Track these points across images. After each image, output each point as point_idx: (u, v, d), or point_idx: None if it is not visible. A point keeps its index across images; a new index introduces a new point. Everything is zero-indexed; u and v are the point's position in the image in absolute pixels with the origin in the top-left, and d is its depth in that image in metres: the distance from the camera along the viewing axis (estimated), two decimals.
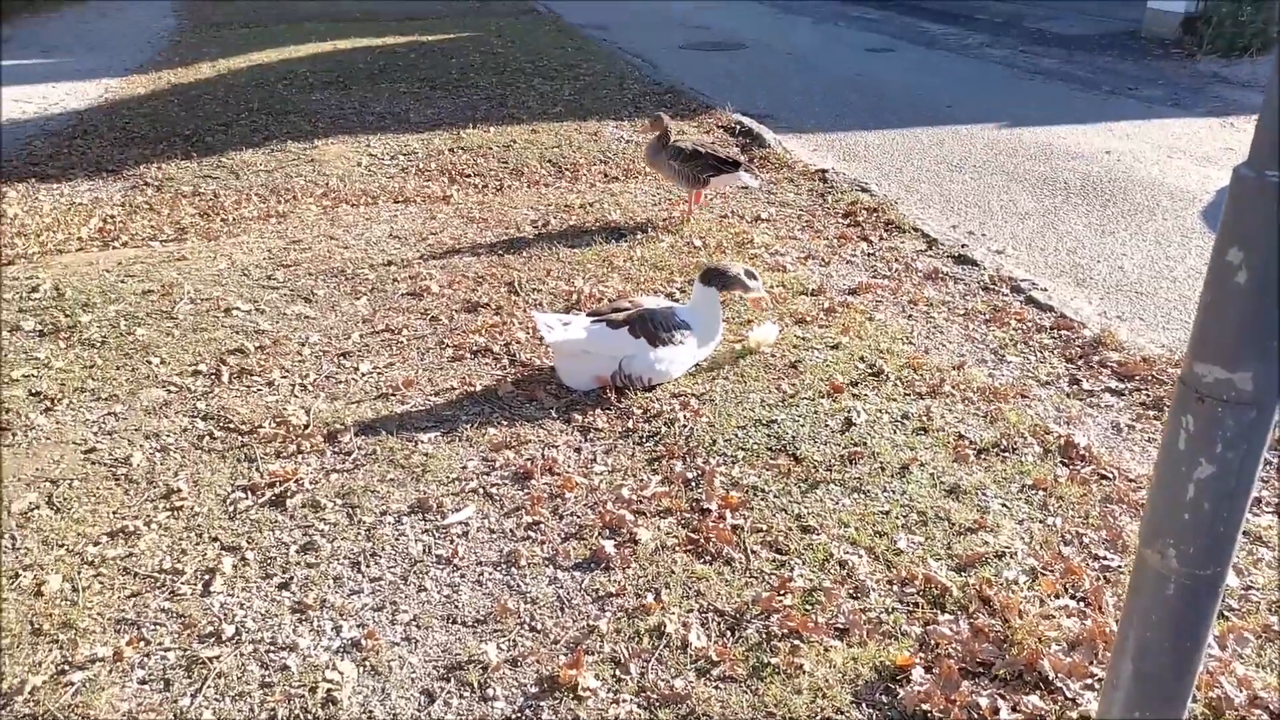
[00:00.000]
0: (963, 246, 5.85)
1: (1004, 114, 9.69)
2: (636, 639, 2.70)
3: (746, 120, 9.02)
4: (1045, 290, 5.15)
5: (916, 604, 2.81)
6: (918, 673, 2.55)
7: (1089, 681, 2.51)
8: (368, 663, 2.64)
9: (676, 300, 4.87)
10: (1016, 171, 7.89)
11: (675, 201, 6.78)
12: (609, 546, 3.05)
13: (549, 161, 7.98)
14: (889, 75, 11.21)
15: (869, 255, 5.78)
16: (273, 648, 2.70)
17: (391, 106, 9.52)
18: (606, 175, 7.67)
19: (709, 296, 4.22)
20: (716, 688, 2.53)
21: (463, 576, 2.98)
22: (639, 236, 6.01)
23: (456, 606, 2.85)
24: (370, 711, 2.49)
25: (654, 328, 4.02)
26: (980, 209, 7.05)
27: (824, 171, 7.45)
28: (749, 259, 5.59)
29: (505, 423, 3.87)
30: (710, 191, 6.41)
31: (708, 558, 3.03)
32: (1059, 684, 2.50)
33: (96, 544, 3.13)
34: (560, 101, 9.68)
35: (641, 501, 3.31)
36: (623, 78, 10.63)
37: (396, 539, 3.16)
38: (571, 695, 2.51)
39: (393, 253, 5.85)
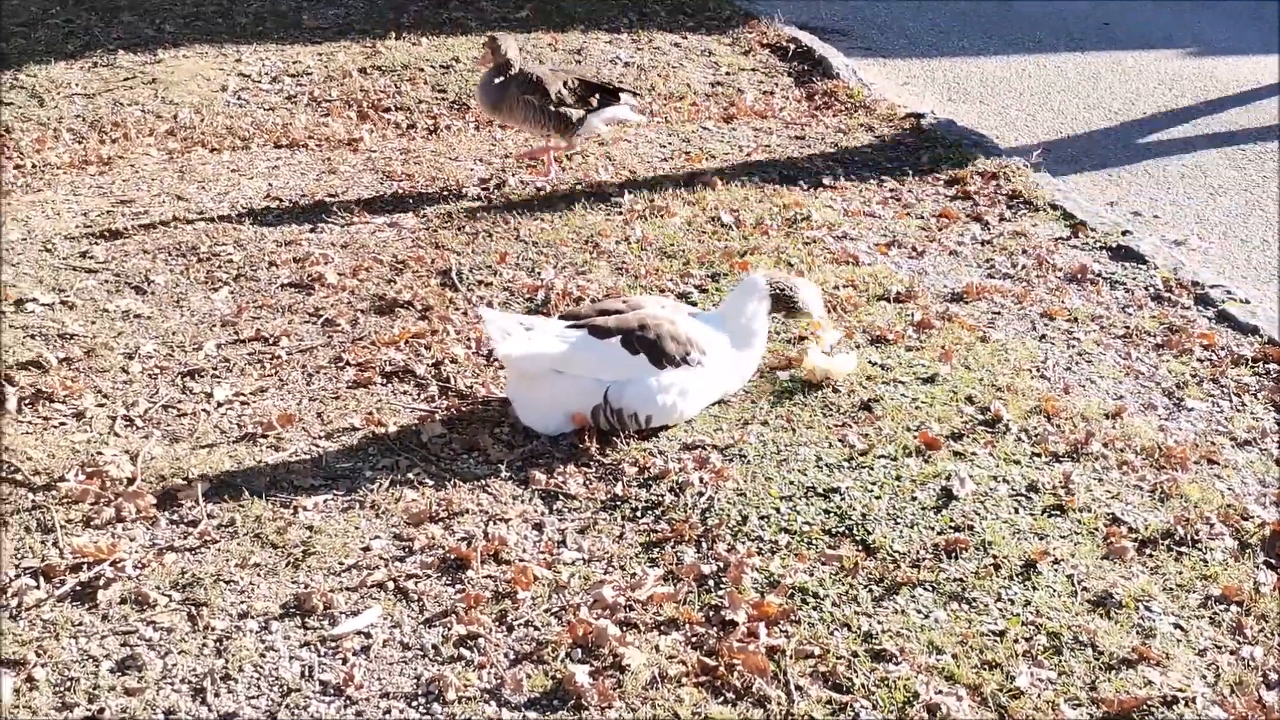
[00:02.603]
0: (1124, 234, 5.86)
1: (1187, 36, 9.70)
2: None
3: (805, 37, 9.03)
4: (1247, 303, 5.15)
5: None
6: None
7: None
8: None
9: (695, 304, 4.88)
10: (1208, 123, 7.90)
11: (695, 158, 6.81)
12: (581, 675, 3.02)
13: None
14: None
15: (983, 243, 5.78)
16: None
17: (275, 3, 9.57)
18: None
19: (755, 306, 4.23)
20: None
21: (359, 715, 2.96)
22: (640, 207, 6.02)
23: None
24: None
25: (660, 340, 4.03)
26: (1151, 178, 7.03)
27: (919, 117, 7.46)
28: (804, 245, 5.62)
29: (431, 482, 3.85)
30: (586, 135, 6.54)
31: (729, 695, 3.01)
32: None
33: None
34: (528, 1, 9.75)
35: (633, 607, 3.29)
36: None
37: (262, 655, 3.14)
38: None
39: (270, 222, 5.84)
